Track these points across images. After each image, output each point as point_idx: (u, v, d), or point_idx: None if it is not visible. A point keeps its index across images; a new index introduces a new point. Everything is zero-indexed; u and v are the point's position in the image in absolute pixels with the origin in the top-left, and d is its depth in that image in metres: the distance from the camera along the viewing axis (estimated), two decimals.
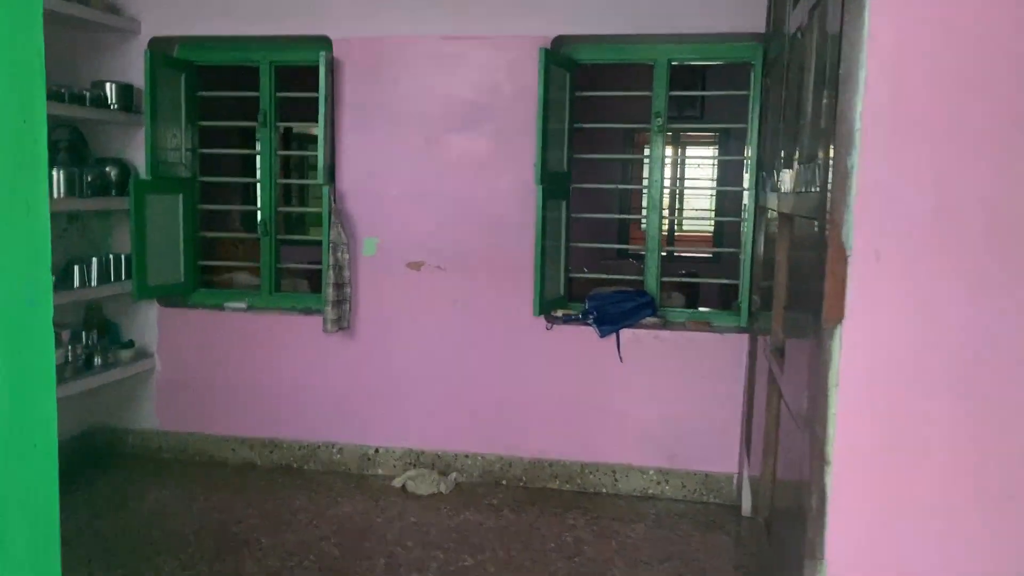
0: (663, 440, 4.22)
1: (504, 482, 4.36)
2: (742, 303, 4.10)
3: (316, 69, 4.18)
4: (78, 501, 4.03)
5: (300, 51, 4.45)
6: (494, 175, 4.25)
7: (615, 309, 4.13)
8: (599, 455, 4.28)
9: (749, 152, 4.11)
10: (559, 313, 4.28)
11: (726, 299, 5.18)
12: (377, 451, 4.47)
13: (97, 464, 4.53)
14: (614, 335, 4.15)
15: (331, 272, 4.21)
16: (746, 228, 4.01)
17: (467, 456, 4.39)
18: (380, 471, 4.47)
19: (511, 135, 4.21)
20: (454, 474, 4.32)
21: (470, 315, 4.32)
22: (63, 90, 3.99)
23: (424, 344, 4.37)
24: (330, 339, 4.41)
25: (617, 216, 7.24)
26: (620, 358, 4.18)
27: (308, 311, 4.51)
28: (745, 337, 4.09)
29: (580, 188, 4.51)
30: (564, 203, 4.31)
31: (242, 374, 4.57)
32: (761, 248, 3.71)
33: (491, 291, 4.29)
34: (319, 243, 4.37)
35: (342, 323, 4.29)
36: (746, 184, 4.17)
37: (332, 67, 4.25)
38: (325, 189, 4.28)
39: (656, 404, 4.20)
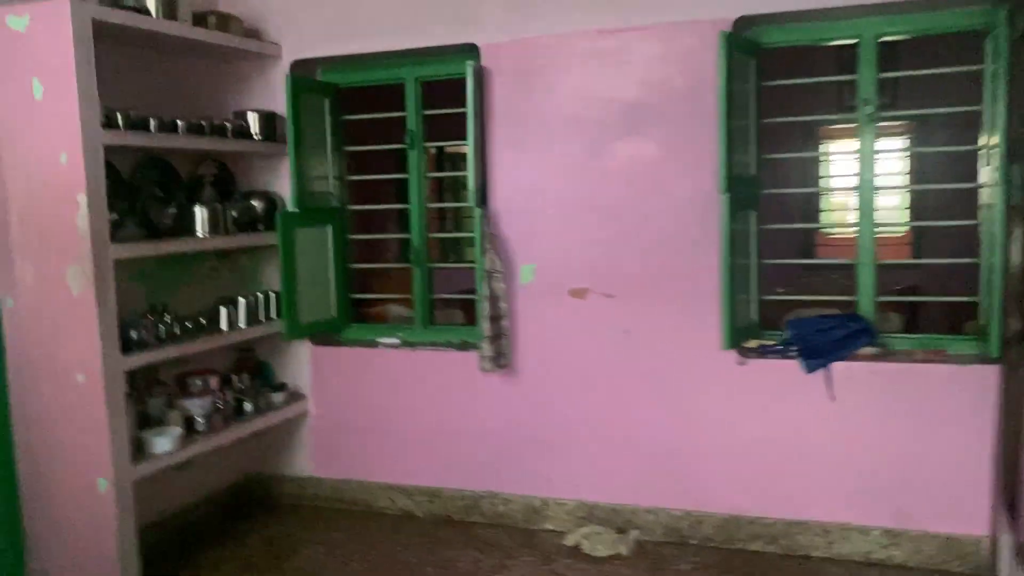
0: (888, 494, 3.48)
1: (693, 542, 3.74)
2: (990, 326, 3.30)
3: (463, 82, 3.78)
4: (230, 558, 3.77)
5: (446, 63, 4.05)
6: (667, 185, 3.67)
7: (823, 338, 3.44)
8: (808, 511, 3.59)
9: (990, 140, 3.31)
10: (753, 344, 3.63)
11: (953, 320, 4.32)
12: (546, 503, 3.97)
13: (250, 514, 4.29)
14: (823, 369, 3.46)
15: (487, 304, 3.77)
16: (996, 231, 3.22)
17: (648, 511, 3.80)
18: (549, 525, 3.97)
19: (685, 138, 3.62)
20: (635, 532, 3.75)
21: (646, 349, 3.74)
22: (204, 123, 3.78)
23: (594, 382, 3.84)
24: (489, 377, 3.96)
25: (814, 226, 6.41)
26: (831, 396, 3.48)
27: (464, 346, 4.09)
28: (993, 369, 3.29)
29: (767, 195, 3.83)
30: (753, 214, 3.66)
31: (398, 416, 4.21)
32: (1019, 257, 2.93)
33: (670, 320, 3.70)
34: (473, 267, 3.94)
35: (501, 361, 3.83)
36: (984, 178, 3.38)
37: (481, 77, 3.83)
38: (477, 212, 3.85)
39: (878, 451, 3.47)
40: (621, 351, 3.78)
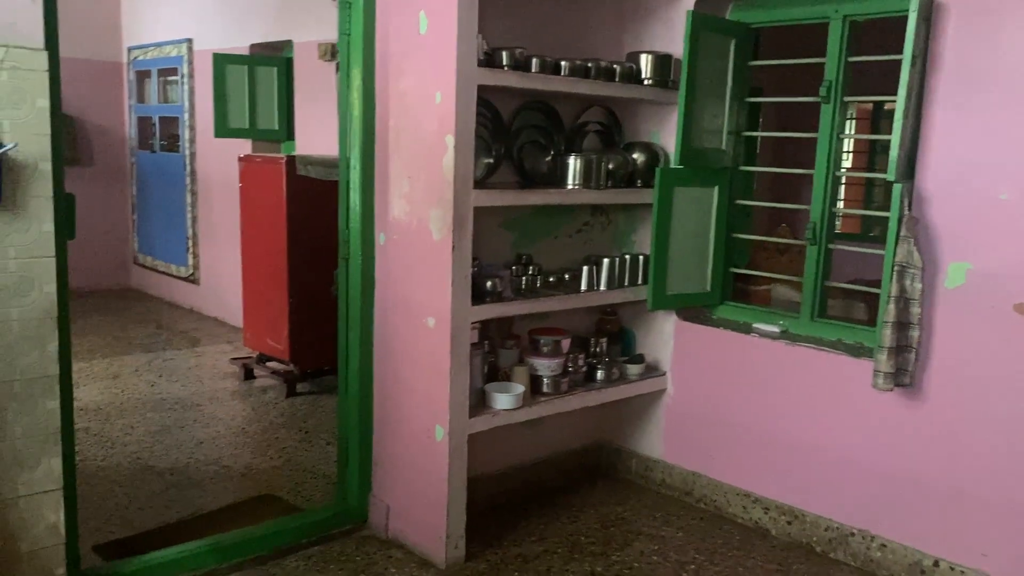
0: None
1: None
2: None
3: (897, 22, 2.96)
4: (558, 530, 3.56)
5: None
6: None
7: None
8: None
9: None
10: None
11: None
12: (937, 564, 3.12)
13: (593, 484, 4.06)
14: None
15: (892, 307, 2.97)
16: None
17: None
18: None
19: None
20: None
21: None
22: (589, 64, 3.47)
23: None
24: (882, 396, 3.18)
25: None
26: None
27: (858, 351, 3.33)
28: None
29: None
30: None
31: (763, 417, 3.62)
32: None
33: None
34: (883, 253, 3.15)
35: (901, 378, 3.03)
36: None
37: (929, 13, 2.96)
38: (897, 188, 3.03)
39: None
40: None
